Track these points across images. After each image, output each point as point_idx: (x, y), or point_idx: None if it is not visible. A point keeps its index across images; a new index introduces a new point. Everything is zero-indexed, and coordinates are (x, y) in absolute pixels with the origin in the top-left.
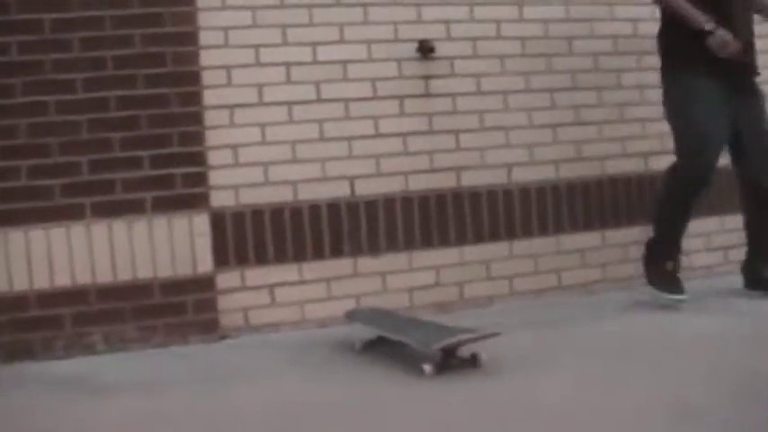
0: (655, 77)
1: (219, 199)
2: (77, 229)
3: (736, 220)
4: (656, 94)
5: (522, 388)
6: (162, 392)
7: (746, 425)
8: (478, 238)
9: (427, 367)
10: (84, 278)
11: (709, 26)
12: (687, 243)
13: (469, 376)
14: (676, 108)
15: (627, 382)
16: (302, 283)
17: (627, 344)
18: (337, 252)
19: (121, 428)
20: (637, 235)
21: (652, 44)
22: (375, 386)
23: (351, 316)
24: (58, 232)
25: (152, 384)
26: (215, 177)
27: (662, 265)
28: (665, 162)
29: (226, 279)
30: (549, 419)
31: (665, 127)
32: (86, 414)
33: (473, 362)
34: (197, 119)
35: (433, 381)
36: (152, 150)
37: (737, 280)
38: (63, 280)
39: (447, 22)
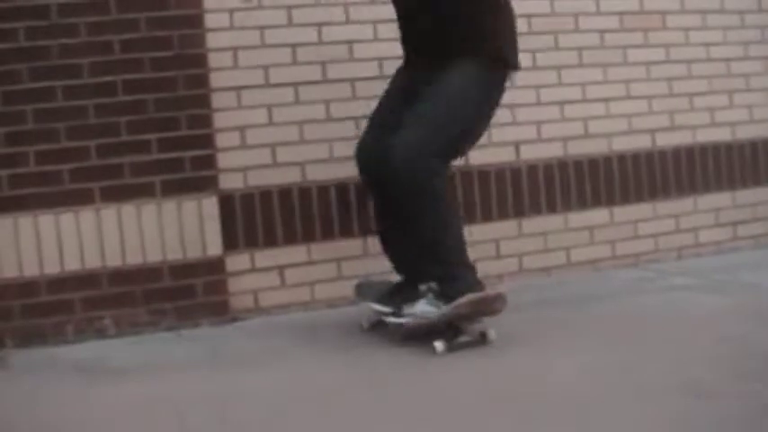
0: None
1: (228, 181)
2: (86, 214)
3: (746, 195)
4: (662, 71)
5: (532, 367)
6: (174, 376)
7: (758, 404)
8: (487, 217)
9: (438, 345)
10: (93, 262)
11: None
12: (696, 219)
13: (480, 355)
14: None
15: (637, 361)
16: (311, 263)
17: (637, 322)
18: (346, 232)
19: (134, 412)
20: (645, 212)
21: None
22: (385, 366)
23: (359, 291)
24: (67, 217)
25: (164, 368)
26: (223, 160)
27: None
28: (672, 138)
29: (235, 261)
30: (558, 398)
31: (673, 104)
32: (100, 398)
33: (483, 339)
34: (204, 101)
35: (442, 360)
36: (160, 134)
37: (747, 256)
38: (73, 264)
39: None
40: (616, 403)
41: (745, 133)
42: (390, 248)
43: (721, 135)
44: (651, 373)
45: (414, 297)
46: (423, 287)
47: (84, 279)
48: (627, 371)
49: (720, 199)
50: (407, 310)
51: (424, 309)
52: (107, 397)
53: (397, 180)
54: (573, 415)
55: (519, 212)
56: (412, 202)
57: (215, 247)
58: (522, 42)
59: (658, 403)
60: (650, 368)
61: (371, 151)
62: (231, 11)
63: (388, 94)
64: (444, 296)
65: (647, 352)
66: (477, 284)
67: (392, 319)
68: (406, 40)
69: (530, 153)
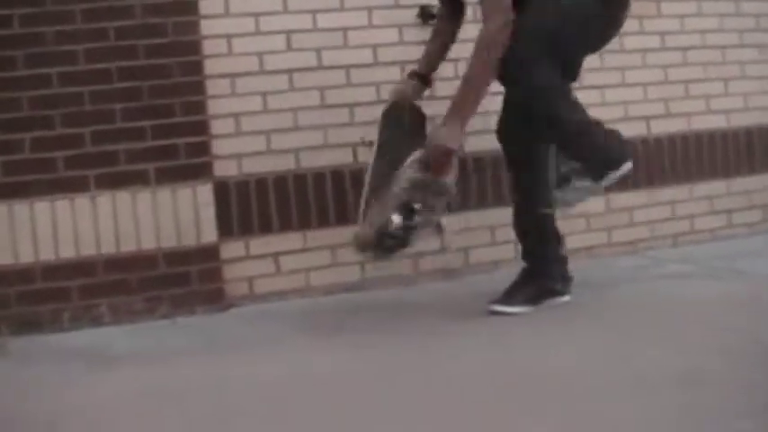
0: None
1: (223, 168)
2: (82, 201)
3: (741, 182)
4: (657, 58)
5: (528, 356)
6: (172, 363)
7: (752, 391)
8: (483, 204)
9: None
10: (89, 250)
11: None
12: (692, 206)
13: (479, 343)
14: None
15: (632, 349)
16: (307, 251)
17: (633, 309)
18: (342, 219)
19: (135, 398)
20: (641, 199)
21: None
22: (385, 352)
23: None
24: (62, 204)
25: (161, 355)
26: (218, 147)
27: None
28: (668, 125)
29: (230, 249)
30: (554, 387)
31: (668, 91)
32: (100, 384)
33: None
34: (199, 88)
35: (443, 345)
36: (154, 121)
37: (742, 243)
38: (68, 252)
39: None
40: (614, 392)
41: (740, 121)
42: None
43: (716, 122)
44: (646, 360)
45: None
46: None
47: (80, 266)
48: (625, 359)
49: (715, 186)
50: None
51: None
52: (107, 384)
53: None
54: (572, 403)
55: None
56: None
57: (210, 235)
58: None
59: (652, 390)
60: (645, 356)
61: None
62: None
63: None
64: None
65: (642, 339)
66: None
67: None
68: None
69: None
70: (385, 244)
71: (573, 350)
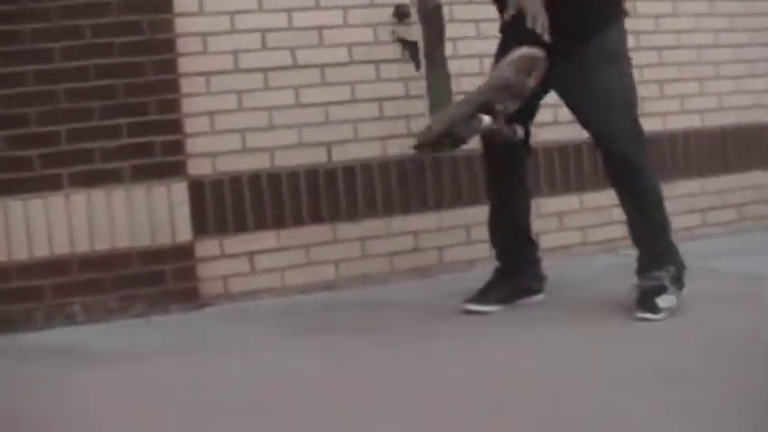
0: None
1: (197, 167)
2: (56, 200)
3: (715, 182)
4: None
5: (502, 355)
6: (147, 361)
7: (729, 388)
8: (457, 203)
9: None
10: (62, 248)
11: None
12: (667, 205)
13: (452, 344)
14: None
15: (609, 348)
16: (281, 249)
17: (609, 309)
18: (316, 218)
19: (112, 396)
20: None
21: None
22: (358, 352)
23: None
24: (36, 203)
25: (137, 354)
26: (192, 145)
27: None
28: (643, 125)
29: (205, 247)
30: (533, 388)
31: (643, 90)
32: (78, 383)
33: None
34: (173, 86)
35: (416, 346)
36: (130, 119)
37: (716, 243)
38: (42, 251)
39: None
40: (590, 391)
41: (715, 121)
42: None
43: (691, 122)
44: (623, 359)
45: None
46: None
47: (54, 265)
48: (599, 357)
49: (690, 186)
50: None
51: None
52: (84, 382)
53: None
54: (543, 402)
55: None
56: None
57: (185, 233)
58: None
59: (630, 388)
60: (622, 354)
61: None
62: None
63: None
64: None
65: (619, 338)
66: None
67: None
68: None
69: None
70: (445, 141)
71: (545, 349)
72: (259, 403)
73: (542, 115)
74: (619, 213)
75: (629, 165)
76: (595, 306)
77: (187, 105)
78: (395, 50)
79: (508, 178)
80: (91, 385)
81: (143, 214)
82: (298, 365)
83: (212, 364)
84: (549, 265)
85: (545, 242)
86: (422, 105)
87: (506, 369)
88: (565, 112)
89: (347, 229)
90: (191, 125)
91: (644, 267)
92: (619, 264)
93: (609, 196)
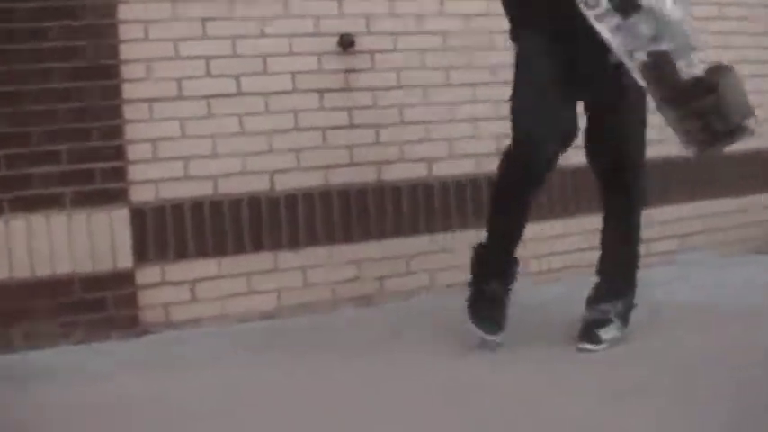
0: None
1: (139, 194)
2: None
3: (655, 213)
4: None
5: (453, 374)
6: (105, 380)
7: (689, 401)
8: (399, 232)
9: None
10: (1, 274)
11: None
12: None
13: (393, 368)
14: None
15: (570, 368)
16: (222, 277)
17: (567, 327)
18: (257, 246)
19: (56, 418)
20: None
21: None
22: (304, 369)
23: None
24: None
25: (92, 375)
26: (134, 172)
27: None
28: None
29: (146, 274)
30: (484, 407)
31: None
32: (33, 403)
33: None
34: (116, 113)
35: (360, 365)
36: (70, 144)
37: (657, 272)
38: None
39: (368, 16)
40: (550, 408)
41: (658, 152)
42: None
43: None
44: (581, 376)
45: None
46: None
47: None
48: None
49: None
50: None
51: None
52: (42, 401)
53: None
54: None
55: (431, 228)
56: None
57: (125, 260)
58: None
59: (581, 405)
60: (582, 372)
61: None
62: (146, 22)
63: None
64: None
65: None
66: None
67: None
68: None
69: (443, 170)
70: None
71: (487, 366)
72: (224, 410)
73: (486, 146)
74: (561, 244)
75: (630, 196)
76: (553, 326)
77: (130, 132)
78: (339, 79)
79: (532, 198)
80: (50, 401)
81: (84, 240)
82: (252, 378)
83: (171, 379)
84: None
85: None
86: (367, 135)
87: (475, 387)
88: None
89: (289, 258)
90: (133, 152)
91: (596, 298)
92: (564, 292)
93: (553, 226)
